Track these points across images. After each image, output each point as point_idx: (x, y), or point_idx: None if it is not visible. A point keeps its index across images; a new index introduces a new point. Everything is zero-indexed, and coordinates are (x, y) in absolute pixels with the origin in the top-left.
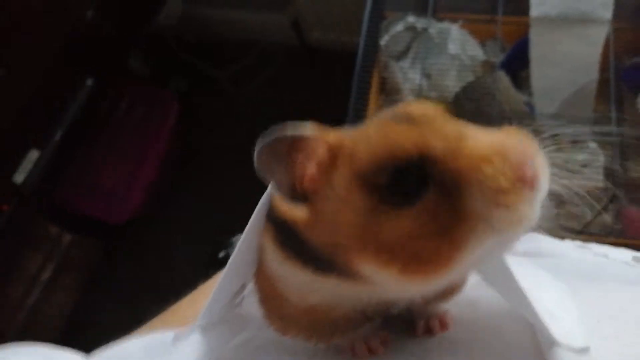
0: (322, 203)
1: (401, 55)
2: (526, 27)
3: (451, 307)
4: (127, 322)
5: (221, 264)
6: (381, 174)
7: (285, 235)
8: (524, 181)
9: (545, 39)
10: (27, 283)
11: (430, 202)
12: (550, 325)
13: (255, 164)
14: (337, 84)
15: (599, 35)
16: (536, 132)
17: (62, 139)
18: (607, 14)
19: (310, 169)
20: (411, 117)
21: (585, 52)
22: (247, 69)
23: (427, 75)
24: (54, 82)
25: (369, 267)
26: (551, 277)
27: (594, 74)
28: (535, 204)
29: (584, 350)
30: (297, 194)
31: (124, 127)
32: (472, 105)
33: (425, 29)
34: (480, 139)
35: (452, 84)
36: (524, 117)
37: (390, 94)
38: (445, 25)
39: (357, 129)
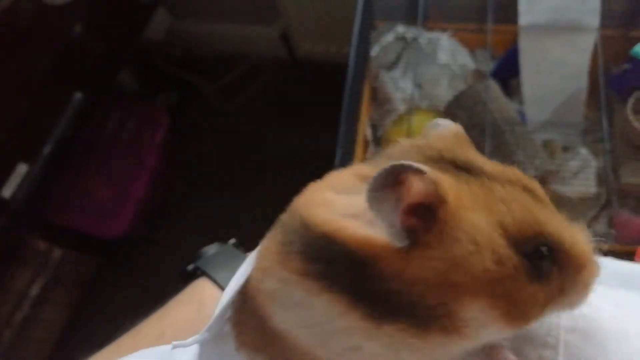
0: (441, 242)
1: (392, 66)
2: (515, 35)
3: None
4: (118, 338)
5: (189, 276)
6: (527, 244)
7: (332, 265)
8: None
9: (535, 47)
10: (15, 299)
11: (551, 280)
12: None
13: (369, 197)
14: (327, 95)
15: (588, 42)
16: (528, 140)
17: (52, 154)
18: (595, 21)
19: (424, 206)
20: (536, 194)
21: (574, 60)
22: (236, 82)
23: (418, 85)
24: (43, 96)
25: (476, 308)
26: None
27: (583, 82)
28: None
29: None
30: (406, 231)
31: (114, 142)
32: (464, 114)
33: (415, 39)
34: (584, 241)
35: (443, 93)
36: (516, 125)
37: (381, 104)
38: (435, 34)
39: (453, 174)
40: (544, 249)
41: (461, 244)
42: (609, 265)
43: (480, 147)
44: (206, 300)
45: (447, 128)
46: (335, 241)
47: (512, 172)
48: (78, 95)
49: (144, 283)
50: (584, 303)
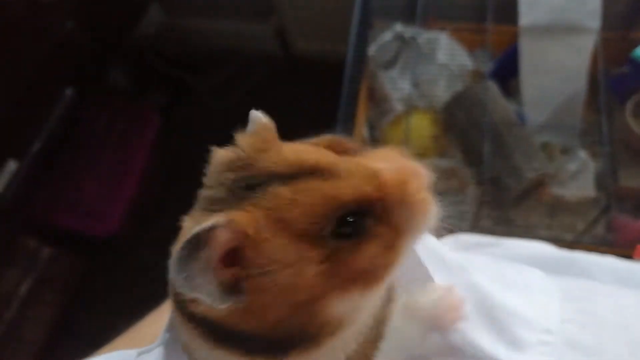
0: (262, 281)
1: (389, 65)
2: (514, 35)
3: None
4: (107, 338)
5: None
6: (326, 227)
7: (216, 332)
8: (427, 191)
9: (535, 48)
10: (4, 298)
11: (373, 231)
12: (521, 352)
13: (179, 284)
14: (322, 93)
15: (588, 44)
16: (527, 141)
17: (41, 151)
18: (595, 23)
19: (230, 255)
20: (321, 168)
21: (574, 62)
22: (230, 79)
23: (416, 85)
24: (33, 92)
25: (335, 302)
26: (538, 273)
27: (583, 84)
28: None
29: None
30: (228, 292)
31: (104, 140)
32: (462, 114)
33: (413, 38)
34: (388, 169)
35: (442, 93)
36: (514, 127)
37: (379, 103)
38: (433, 34)
39: (246, 199)
40: (349, 217)
41: (280, 273)
42: (606, 263)
43: (478, 148)
44: None
45: (254, 126)
46: (206, 319)
47: (295, 158)
48: (68, 91)
49: (133, 283)
50: (429, 221)
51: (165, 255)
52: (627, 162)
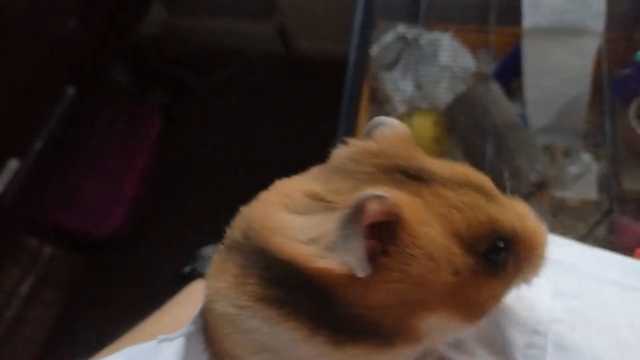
0: (399, 262)
1: (391, 66)
2: (518, 37)
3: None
4: (109, 337)
5: (186, 278)
6: (482, 243)
7: (292, 291)
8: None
9: (538, 49)
10: (4, 297)
11: (508, 268)
12: (509, 356)
13: (339, 232)
14: (323, 93)
15: (591, 46)
16: (529, 143)
17: (43, 149)
18: (599, 25)
19: (383, 230)
20: (486, 190)
21: (577, 64)
22: (231, 79)
23: (418, 86)
24: (34, 90)
25: (437, 319)
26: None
27: (586, 86)
28: None
29: None
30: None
31: (106, 139)
32: (465, 116)
33: (415, 39)
34: (528, 219)
35: (444, 94)
36: (517, 129)
37: (381, 104)
38: (436, 35)
39: (402, 183)
40: (500, 243)
41: (419, 262)
42: (610, 259)
43: (480, 150)
44: None
45: (394, 129)
46: (295, 268)
47: (462, 171)
48: (70, 90)
49: (134, 282)
50: (538, 274)
51: (166, 254)
52: (630, 164)
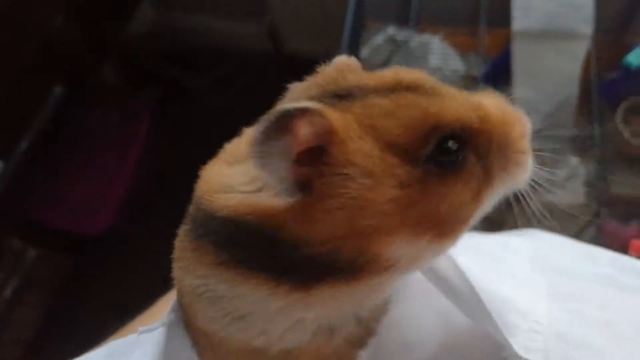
0: (335, 186)
1: (381, 67)
2: (507, 39)
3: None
4: (96, 339)
5: None
6: (425, 146)
7: (244, 247)
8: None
9: (528, 53)
10: None
11: (470, 170)
12: (513, 338)
13: (256, 153)
14: None
15: (580, 50)
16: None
17: (29, 149)
18: (588, 29)
19: (313, 146)
20: (424, 87)
21: (566, 67)
22: (222, 78)
23: None
24: (21, 89)
25: (399, 243)
26: (526, 267)
27: (574, 89)
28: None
29: None
30: (299, 187)
31: (96, 138)
32: None
33: (405, 41)
34: (493, 106)
35: None
36: None
37: None
38: (426, 37)
39: (337, 104)
40: (450, 142)
41: (356, 181)
42: (604, 256)
43: None
44: None
45: (340, 60)
46: (238, 221)
47: (391, 75)
48: (58, 89)
49: (123, 282)
50: (523, 175)
51: (156, 254)
52: (618, 168)
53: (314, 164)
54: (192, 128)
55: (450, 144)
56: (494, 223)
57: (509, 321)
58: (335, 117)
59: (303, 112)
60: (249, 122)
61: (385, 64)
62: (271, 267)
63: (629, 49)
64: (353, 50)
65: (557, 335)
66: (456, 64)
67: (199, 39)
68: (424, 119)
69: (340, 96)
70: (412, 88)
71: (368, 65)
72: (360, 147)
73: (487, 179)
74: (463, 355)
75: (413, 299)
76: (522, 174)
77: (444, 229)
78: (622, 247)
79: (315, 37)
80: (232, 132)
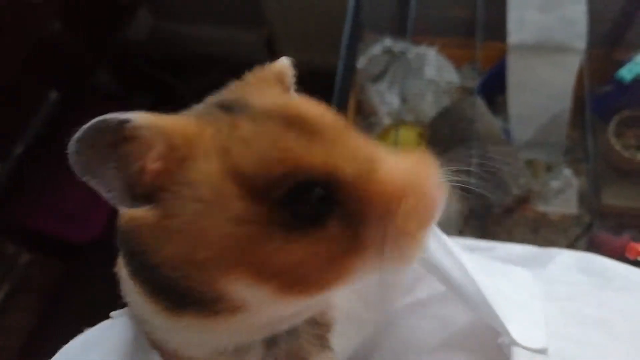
0: (174, 205)
1: (378, 78)
2: (502, 53)
3: (423, 322)
4: None
5: None
6: (276, 187)
7: (133, 259)
8: (427, 224)
9: (522, 66)
10: None
11: (330, 230)
12: (511, 326)
13: (74, 163)
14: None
15: (573, 64)
16: (513, 157)
17: (24, 154)
18: (581, 44)
19: (153, 159)
20: (309, 124)
21: (560, 81)
22: (217, 86)
23: (403, 99)
24: (16, 93)
25: (240, 285)
26: (521, 270)
27: (567, 102)
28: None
29: (542, 351)
30: (138, 194)
31: None
32: (449, 129)
33: (402, 53)
34: (392, 166)
35: (429, 108)
36: (500, 143)
37: (367, 116)
38: (422, 49)
39: (211, 116)
40: (313, 192)
41: (189, 203)
42: (598, 262)
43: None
44: None
45: (271, 66)
46: (120, 233)
47: (288, 105)
48: (53, 94)
49: (114, 290)
50: (416, 255)
51: None
52: (610, 180)
53: (162, 175)
54: None
55: (313, 194)
56: (488, 236)
57: (508, 314)
58: (179, 128)
59: (126, 122)
60: None
61: (382, 74)
62: (148, 283)
63: (620, 64)
64: (350, 61)
65: (555, 332)
66: (451, 75)
67: (196, 47)
68: (282, 158)
69: (223, 107)
70: (296, 123)
71: (365, 75)
72: (200, 167)
73: (356, 247)
74: (461, 347)
75: (410, 312)
76: (402, 260)
77: (289, 283)
78: (615, 258)
79: (312, 48)
80: None
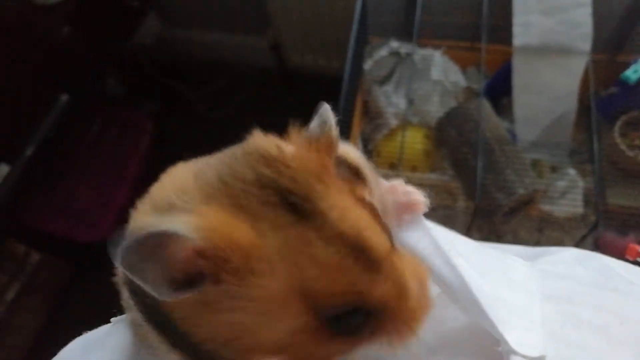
0: (226, 305)
1: (384, 80)
2: (506, 55)
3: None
4: None
5: None
6: (334, 307)
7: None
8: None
9: (528, 68)
10: None
11: (363, 336)
12: (508, 334)
13: (123, 265)
14: (314, 108)
15: (579, 66)
16: (518, 158)
17: (34, 155)
18: (586, 46)
19: (205, 267)
20: (373, 257)
21: (565, 82)
22: (223, 91)
23: (410, 100)
24: (28, 96)
25: None
26: (520, 263)
27: (573, 104)
28: None
29: (540, 359)
30: (181, 284)
31: (97, 147)
32: (455, 131)
33: (409, 54)
34: (412, 294)
35: (435, 109)
36: (506, 144)
37: (373, 118)
38: (428, 51)
39: (268, 209)
40: (359, 315)
41: (247, 313)
42: (596, 261)
43: (470, 164)
44: None
45: (316, 130)
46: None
47: (351, 224)
48: (64, 97)
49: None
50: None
51: None
52: (615, 180)
53: (211, 264)
54: (193, 140)
55: (361, 313)
56: (494, 236)
57: (504, 319)
58: (235, 243)
59: (171, 235)
60: (244, 136)
61: (389, 76)
62: (169, 336)
63: (625, 65)
64: (357, 64)
65: (552, 334)
66: (457, 77)
67: (203, 53)
68: (350, 290)
69: (290, 203)
70: (364, 254)
71: (372, 77)
72: (265, 284)
73: (373, 339)
74: (460, 349)
75: None
76: (402, 343)
77: None
78: (619, 258)
79: (317, 52)
80: (229, 146)
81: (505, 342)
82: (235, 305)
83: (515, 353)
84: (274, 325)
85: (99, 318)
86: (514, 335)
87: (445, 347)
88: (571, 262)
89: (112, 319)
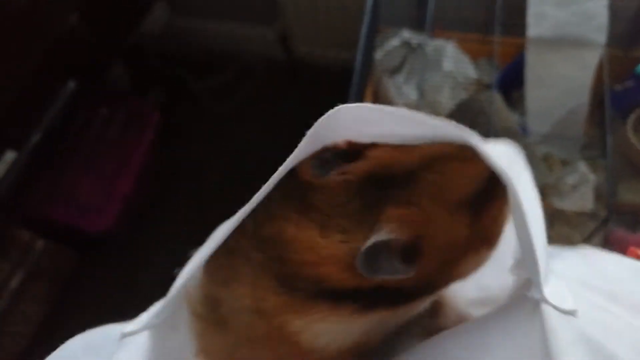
0: (428, 244)
1: (395, 71)
2: (518, 48)
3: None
4: None
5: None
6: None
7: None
8: None
9: (541, 60)
10: None
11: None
12: (545, 283)
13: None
14: (323, 99)
15: (593, 59)
16: (529, 152)
17: (40, 143)
18: (602, 38)
19: None
20: (464, 152)
21: (578, 75)
22: (231, 82)
23: (420, 92)
24: (35, 83)
25: (469, 259)
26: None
27: (585, 97)
28: None
29: (572, 313)
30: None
31: (103, 136)
32: (466, 123)
33: (420, 45)
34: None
35: (445, 100)
36: (517, 137)
37: None
38: (440, 42)
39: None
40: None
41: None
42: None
43: None
44: None
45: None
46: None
47: (435, 149)
48: (71, 84)
49: (126, 281)
50: None
51: (158, 254)
52: (626, 176)
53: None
54: (199, 130)
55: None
56: None
57: (545, 270)
58: (414, 214)
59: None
60: (250, 128)
61: (400, 67)
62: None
63: (637, 59)
64: (368, 54)
65: (582, 298)
66: (469, 69)
67: (210, 43)
68: (468, 182)
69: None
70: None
71: (383, 68)
72: (438, 217)
73: None
74: (496, 303)
75: None
76: None
77: (491, 241)
78: (628, 255)
79: (326, 43)
80: (235, 138)
81: (539, 288)
82: (432, 241)
83: (546, 302)
84: (456, 232)
85: (103, 305)
86: (549, 286)
87: (483, 301)
88: (575, 265)
89: (122, 332)
